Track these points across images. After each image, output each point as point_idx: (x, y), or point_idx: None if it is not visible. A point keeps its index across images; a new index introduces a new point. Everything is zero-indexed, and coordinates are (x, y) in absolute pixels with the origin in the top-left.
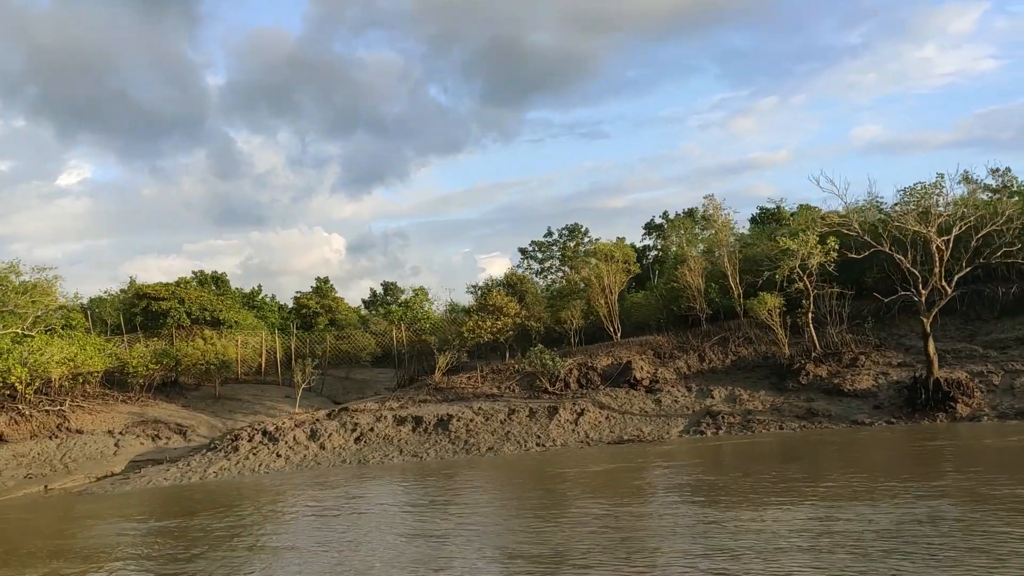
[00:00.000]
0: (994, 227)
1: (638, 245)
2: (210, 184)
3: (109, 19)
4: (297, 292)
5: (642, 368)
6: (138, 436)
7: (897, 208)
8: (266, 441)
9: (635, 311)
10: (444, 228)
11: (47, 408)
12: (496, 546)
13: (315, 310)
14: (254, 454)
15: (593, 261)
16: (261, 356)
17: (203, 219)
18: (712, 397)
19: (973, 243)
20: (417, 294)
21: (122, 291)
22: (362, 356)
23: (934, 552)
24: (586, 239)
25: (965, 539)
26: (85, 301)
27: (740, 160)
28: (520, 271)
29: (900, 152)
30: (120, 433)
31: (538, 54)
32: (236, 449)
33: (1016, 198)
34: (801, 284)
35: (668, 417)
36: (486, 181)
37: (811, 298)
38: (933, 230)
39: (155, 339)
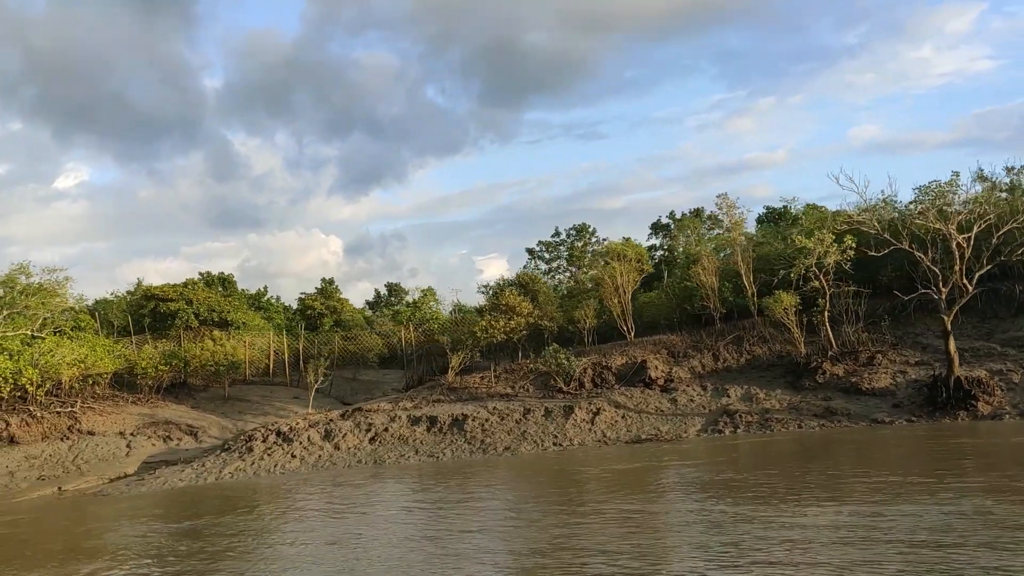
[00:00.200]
0: (1015, 224)
1: (643, 245)
2: (207, 186)
3: (105, 21)
4: (302, 293)
5: (657, 367)
6: (149, 437)
7: (911, 206)
8: (280, 442)
9: (646, 310)
10: (442, 229)
11: (58, 410)
12: (530, 548)
13: (320, 311)
14: (269, 455)
15: (602, 261)
16: (269, 357)
17: (200, 221)
18: (728, 396)
19: (994, 240)
20: (425, 294)
21: (128, 293)
22: (369, 357)
23: (991, 544)
24: (593, 239)
25: (1017, 533)
26: (90, 303)
27: (738, 160)
28: (527, 271)
29: (898, 152)
30: (131, 434)
31: (536, 55)
32: (250, 450)
33: None
34: (817, 283)
35: (684, 416)
36: (484, 182)
37: (827, 296)
38: (953, 227)
39: (163, 340)
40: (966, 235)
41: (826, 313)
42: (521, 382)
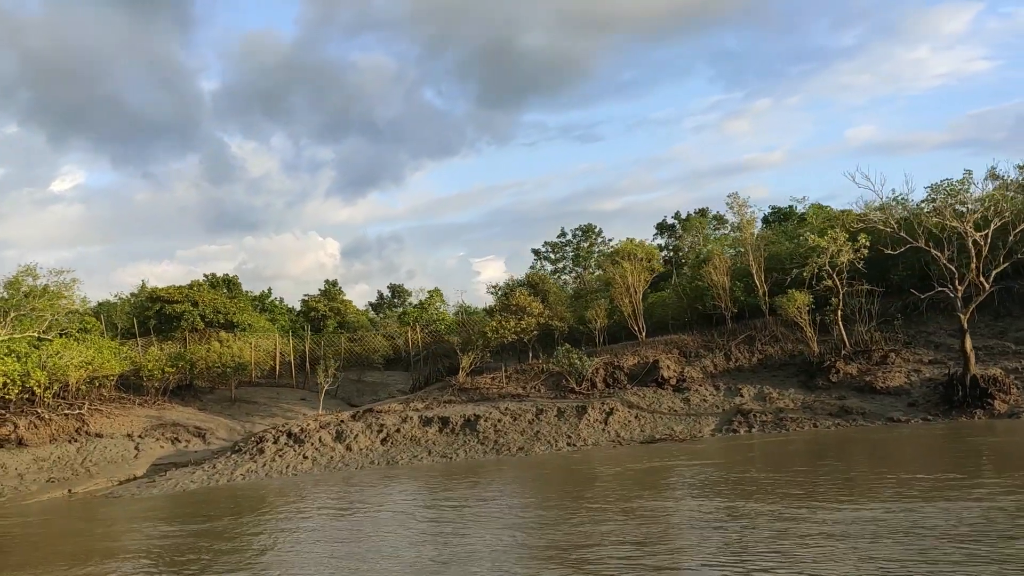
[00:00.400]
0: None
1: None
2: (203, 189)
3: (101, 24)
4: (305, 295)
5: (669, 367)
6: (157, 439)
7: (924, 204)
8: (291, 443)
9: (655, 310)
10: (439, 231)
11: (66, 412)
12: (561, 545)
13: (324, 313)
14: (280, 456)
15: (612, 261)
16: (275, 359)
17: (196, 224)
18: (741, 396)
19: (1011, 238)
20: (432, 295)
21: (132, 295)
22: (374, 358)
23: None
24: (599, 239)
25: None
26: (93, 305)
27: (735, 161)
28: (536, 271)
29: (895, 153)
30: (139, 436)
31: (532, 56)
32: (262, 451)
33: None
34: (830, 282)
35: (698, 416)
36: (481, 184)
37: (841, 295)
38: (970, 225)
39: (169, 342)
40: (983, 233)
41: (839, 312)
42: (532, 382)
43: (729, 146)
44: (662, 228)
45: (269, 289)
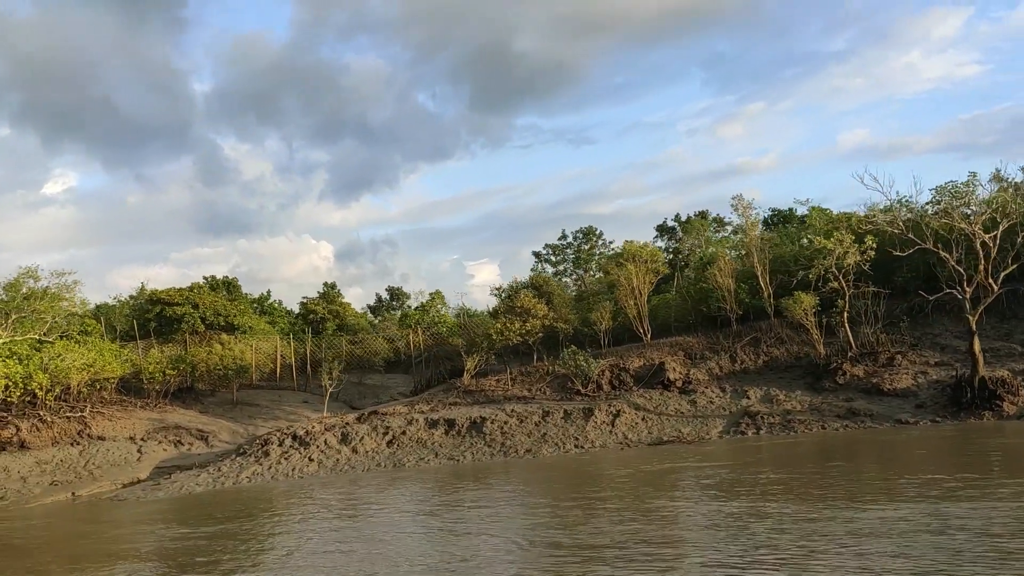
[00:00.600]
0: None
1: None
2: (196, 192)
3: (93, 26)
4: (304, 297)
5: (675, 369)
6: (160, 442)
7: (927, 207)
8: (297, 445)
9: (658, 312)
10: (432, 235)
11: (68, 415)
12: (585, 544)
13: (323, 315)
14: (286, 459)
15: (616, 263)
16: (276, 361)
17: (189, 227)
18: (748, 398)
19: (1019, 240)
20: (434, 297)
21: (131, 297)
22: (375, 361)
23: None
24: (600, 242)
25: None
26: (91, 307)
27: (727, 165)
28: (540, 273)
29: (887, 157)
30: (142, 439)
31: (526, 60)
32: (267, 454)
33: None
34: (836, 284)
35: (705, 418)
36: (474, 188)
37: (847, 297)
38: (978, 227)
39: (169, 345)
40: (992, 234)
41: (845, 314)
42: (538, 384)
43: (722, 150)
44: (662, 230)
45: (268, 291)
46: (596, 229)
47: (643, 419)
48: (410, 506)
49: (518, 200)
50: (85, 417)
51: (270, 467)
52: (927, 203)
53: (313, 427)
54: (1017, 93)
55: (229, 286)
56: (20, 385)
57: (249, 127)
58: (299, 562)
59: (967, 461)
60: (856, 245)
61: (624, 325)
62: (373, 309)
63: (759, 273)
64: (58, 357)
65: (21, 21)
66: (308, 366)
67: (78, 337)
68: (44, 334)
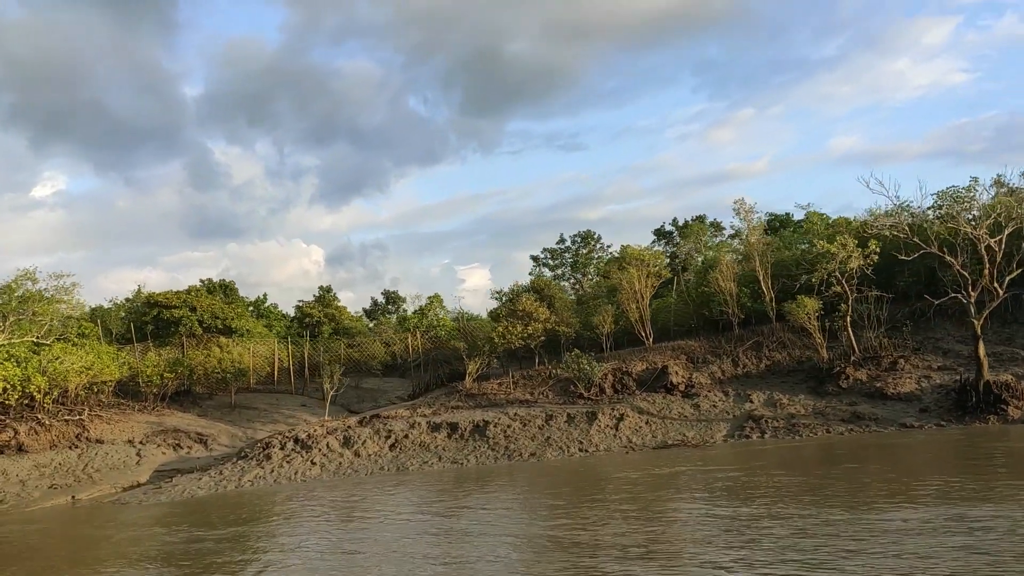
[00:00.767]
0: None
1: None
2: (186, 195)
3: (83, 28)
4: (300, 301)
5: (678, 373)
6: (159, 445)
7: (931, 211)
8: (299, 449)
9: (659, 316)
10: (423, 239)
11: (66, 418)
12: (607, 544)
13: (319, 319)
14: (288, 462)
15: (618, 266)
16: (274, 365)
17: (179, 231)
18: (751, 402)
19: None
20: (432, 301)
21: (127, 300)
22: (372, 365)
23: None
24: (598, 246)
25: None
26: (87, 309)
27: (718, 171)
28: (541, 277)
29: (876, 163)
30: (140, 443)
31: (518, 64)
32: (268, 457)
33: None
34: (839, 288)
35: (709, 422)
36: (465, 192)
37: (850, 301)
38: (983, 231)
39: (167, 348)
40: (998, 238)
41: (848, 318)
42: (540, 388)
43: (713, 155)
44: (660, 235)
45: (264, 295)
46: (594, 233)
47: (647, 423)
48: (418, 509)
49: (509, 204)
50: (83, 420)
51: (272, 471)
52: (929, 208)
53: (315, 430)
54: (1004, 101)
55: (226, 289)
56: (18, 388)
57: (240, 131)
58: (309, 564)
59: (979, 465)
60: (859, 249)
61: (625, 329)
62: (368, 313)
63: (761, 277)
64: (56, 360)
65: (11, 22)
66: (306, 370)
67: (76, 340)
68: (41, 336)
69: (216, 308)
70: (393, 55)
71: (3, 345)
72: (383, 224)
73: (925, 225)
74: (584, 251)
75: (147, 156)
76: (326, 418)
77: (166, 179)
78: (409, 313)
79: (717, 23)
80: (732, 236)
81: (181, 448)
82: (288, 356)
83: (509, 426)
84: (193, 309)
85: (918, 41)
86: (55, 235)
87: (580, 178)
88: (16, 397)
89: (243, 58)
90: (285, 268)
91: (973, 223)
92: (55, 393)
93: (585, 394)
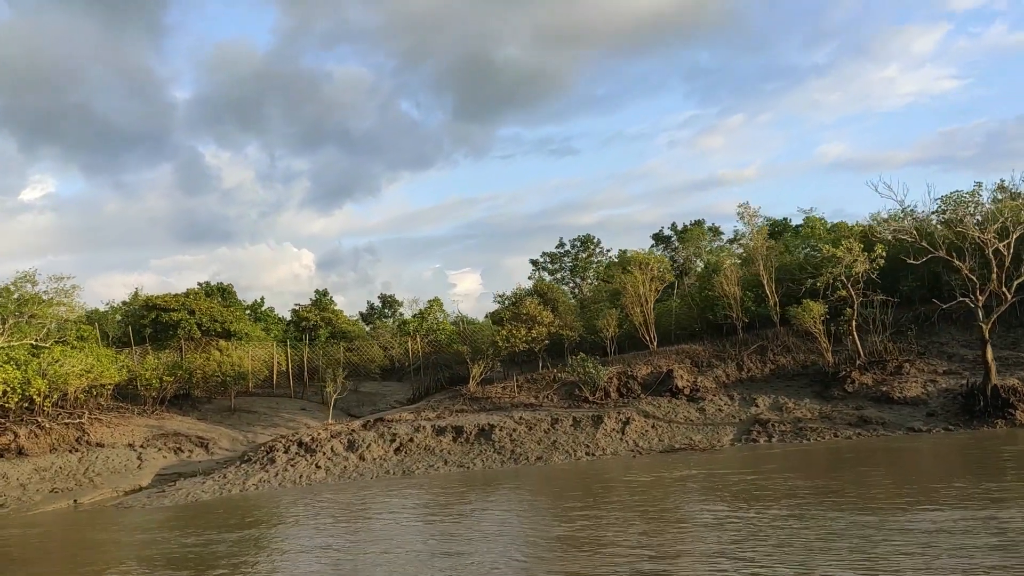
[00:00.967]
0: None
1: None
2: (176, 199)
3: (72, 31)
4: (296, 304)
5: (683, 377)
6: (160, 449)
7: (935, 216)
8: (303, 452)
9: (662, 320)
10: (414, 244)
11: (66, 421)
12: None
13: (315, 322)
14: (292, 466)
15: (622, 270)
16: (272, 368)
17: (169, 235)
18: (757, 406)
19: None
20: (432, 304)
21: (124, 303)
22: (371, 369)
23: None
24: (597, 250)
25: None
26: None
27: (708, 177)
28: (544, 280)
29: (865, 169)
30: (141, 446)
31: (509, 70)
32: (272, 461)
33: None
34: (845, 292)
35: (715, 426)
36: (456, 197)
37: (855, 306)
38: (991, 235)
39: (165, 351)
40: (1007, 241)
41: (854, 322)
42: (544, 391)
43: (703, 161)
44: (658, 239)
45: (262, 298)
46: (594, 237)
47: (653, 427)
48: (429, 512)
49: (501, 209)
50: (83, 424)
51: (277, 474)
52: (933, 212)
53: (319, 434)
54: (994, 108)
55: (224, 292)
56: (18, 391)
57: (230, 135)
58: (323, 567)
59: (996, 468)
60: (865, 253)
61: (628, 332)
62: (364, 316)
63: (764, 281)
64: (56, 363)
65: None
66: (305, 373)
67: (74, 343)
68: (40, 339)
69: (215, 311)
70: (385, 59)
71: (2, 348)
72: (374, 228)
73: (933, 230)
74: (584, 255)
75: (136, 160)
76: (329, 421)
77: (155, 183)
78: (407, 317)
79: (708, 30)
80: (731, 241)
81: (182, 452)
82: (287, 360)
83: (515, 430)
84: (192, 312)
85: (907, 49)
86: (44, 239)
87: (571, 183)
88: (16, 400)
89: (233, 62)
90: (275, 272)
91: (980, 227)
92: (55, 396)
93: (590, 398)
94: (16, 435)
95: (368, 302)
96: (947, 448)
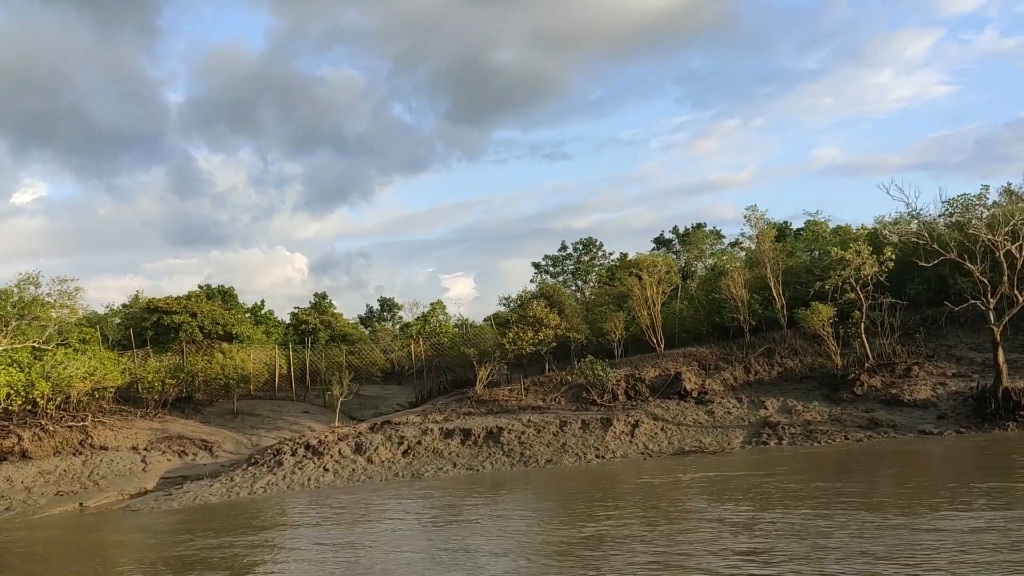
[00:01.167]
0: None
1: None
2: (169, 202)
3: (64, 33)
4: (295, 307)
5: (691, 379)
6: (164, 452)
7: (941, 219)
8: (310, 455)
9: (667, 323)
10: (408, 247)
11: (70, 424)
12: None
13: (315, 326)
14: (300, 468)
15: (628, 272)
16: (275, 371)
17: (161, 238)
18: (765, 408)
19: None
20: (435, 307)
21: (124, 306)
22: (372, 372)
23: None
24: (600, 253)
25: None
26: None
27: (702, 181)
28: (550, 283)
29: (858, 174)
30: (145, 449)
31: (503, 73)
32: (280, 464)
33: None
34: (853, 295)
35: (724, 428)
36: (450, 201)
37: (864, 308)
38: (1002, 237)
39: (167, 354)
40: (1017, 244)
41: (862, 325)
42: (552, 394)
43: (697, 165)
44: (659, 242)
45: (262, 301)
46: (596, 240)
47: (662, 429)
48: (442, 514)
49: (494, 213)
50: (87, 427)
51: (284, 477)
52: (940, 215)
53: (326, 436)
54: (985, 113)
55: (224, 295)
56: (22, 393)
57: (223, 138)
58: (332, 568)
59: (1014, 470)
60: (874, 256)
61: (634, 335)
62: (363, 320)
63: (771, 284)
64: (60, 365)
65: None
66: (307, 376)
67: (77, 345)
68: (43, 342)
69: (216, 314)
70: (379, 63)
71: (5, 350)
72: (368, 232)
73: (944, 231)
74: (586, 258)
75: (129, 163)
76: (336, 424)
77: (148, 186)
78: (408, 320)
79: (702, 34)
80: (733, 244)
81: (186, 455)
82: (288, 363)
83: (523, 432)
84: (193, 315)
85: (900, 54)
86: (35, 242)
87: (566, 187)
88: (19, 403)
89: (227, 65)
90: (268, 276)
91: (991, 230)
92: (58, 399)
93: (598, 400)
94: (20, 438)
95: (367, 305)
96: (965, 450)
